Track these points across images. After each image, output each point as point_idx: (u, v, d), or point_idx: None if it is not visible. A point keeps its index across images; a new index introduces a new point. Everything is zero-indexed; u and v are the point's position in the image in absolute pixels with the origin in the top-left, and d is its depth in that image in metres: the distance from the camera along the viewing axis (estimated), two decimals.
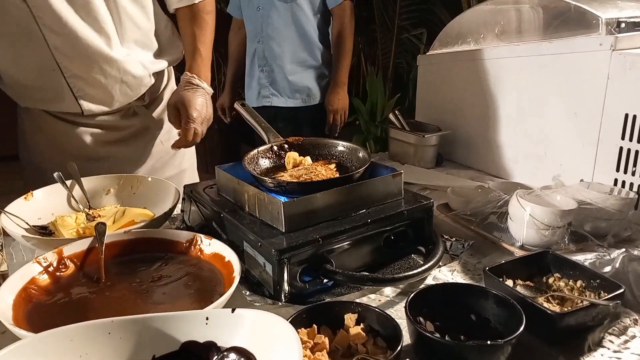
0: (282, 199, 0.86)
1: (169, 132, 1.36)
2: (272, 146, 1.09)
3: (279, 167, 1.07)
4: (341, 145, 1.10)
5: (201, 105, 1.20)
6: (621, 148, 1.13)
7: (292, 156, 1.04)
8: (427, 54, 1.69)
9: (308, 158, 1.06)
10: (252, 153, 1.06)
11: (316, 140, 1.13)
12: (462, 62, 1.55)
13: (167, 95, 1.39)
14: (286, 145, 1.10)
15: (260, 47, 2.18)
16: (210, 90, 1.25)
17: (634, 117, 1.09)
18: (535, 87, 1.33)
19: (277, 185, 0.93)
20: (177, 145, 1.20)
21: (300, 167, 1.03)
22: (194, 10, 1.26)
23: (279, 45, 2.14)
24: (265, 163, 1.08)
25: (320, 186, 0.90)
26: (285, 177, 0.99)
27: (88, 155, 1.27)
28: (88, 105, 1.22)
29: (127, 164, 1.32)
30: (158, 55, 1.30)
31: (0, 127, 2.44)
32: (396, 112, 1.65)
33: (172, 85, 1.43)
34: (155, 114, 1.37)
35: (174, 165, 1.43)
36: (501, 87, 1.43)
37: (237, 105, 1.20)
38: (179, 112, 1.20)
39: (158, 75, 1.34)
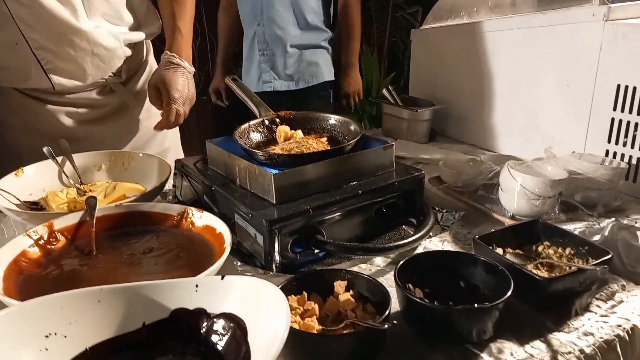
0: (273, 171, 0.86)
1: (149, 111, 1.34)
2: (263, 120, 1.09)
3: (271, 141, 1.07)
4: (333, 119, 1.10)
5: (182, 85, 1.16)
6: (613, 119, 1.13)
7: (283, 130, 1.04)
8: (421, 28, 1.68)
9: (299, 131, 1.05)
10: (243, 127, 1.05)
11: (307, 114, 1.13)
12: (455, 36, 1.54)
13: (145, 73, 1.36)
14: (277, 120, 1.10)
15: (260, 30, 2.07)
16: (192, 69, 1.21)
17: (626, 87, 1.09)
18: (528, 60, 1.32)
19: (268, 158, 0.92)
20: (159, 127, 1.17)
21: (292, 140, 1.02)
22: None
23: (280, 28, 2.04)
24: (256, 137, 1.07)
25: (311, 158, 0.90)
26: (276, 150, 0.99)
27: (65, 136, 1.21)
28: (59, 80, 1.17)
29: (106, 143, 1.27)
30: (133, 29, 1.26)
31: None
32: (389, 87, 1.64)
33: (151, 62, 1.39)
34: (133, 91, 1.33)
35: (156, 144, 1.40)
36: (494, 61, 1.42)
37: (227, 80, 1.19)
38: (160, 93, 1.16)
39: (134, 49, 1.29)
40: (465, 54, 1.49)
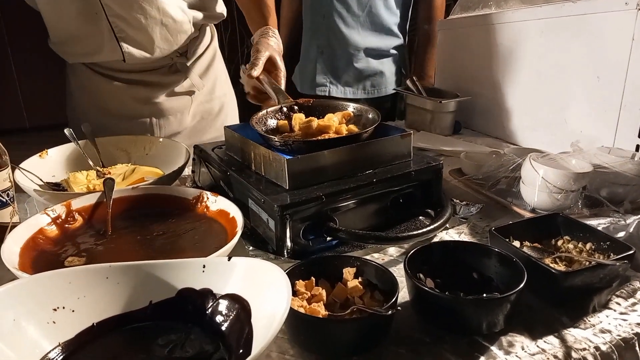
0: (287, 156, 0.86)
1: (211, 93, 1.40)
2: (281, 107, 1.08)
3: (288, 128, 1.06)
4: (352, 107, 1.09)
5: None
6: None
7: (298, 117, 1.03)
8: (447, 18, 1.65)
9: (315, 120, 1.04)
10: (260, 113, 1.05)
11: (327, 102, 1.12)
12: (482, 26, 1.50)
13: (209, 57, 1.39)
14: (296, 107, 1.09)
15: (323, 24, 1.80)
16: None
17: None
18: (556, 51, 1.28)
19: (283, 144, 0.92)
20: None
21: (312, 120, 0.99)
22: None
23: (347, 25, 1.77)
24: (273, 124, 1.07)
25: (327, 145, 0.89)
26: (292, 136, 0.98)
27: (129, 115, 1.30)
28: (129, 49, 1.21)
29: (169, 124, 1.34)
30: (198, 8, 1.29)
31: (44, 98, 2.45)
32: (414, 78, 1.61)
33: (215, 46, 1.43)
34: (198, 73, 1.37)
35: (216, 128, 1.44)
36: (521, 52, 1.38)
37: (243, 67, 1.17)
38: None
39: (200, 30, 1.33)
40: (492, 45, 1.46)
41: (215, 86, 1.42)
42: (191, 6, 1.27)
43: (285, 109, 1.08)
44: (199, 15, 1.29)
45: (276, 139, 0.93)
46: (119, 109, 1.30)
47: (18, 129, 2.82)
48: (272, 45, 1.15)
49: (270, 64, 1.12)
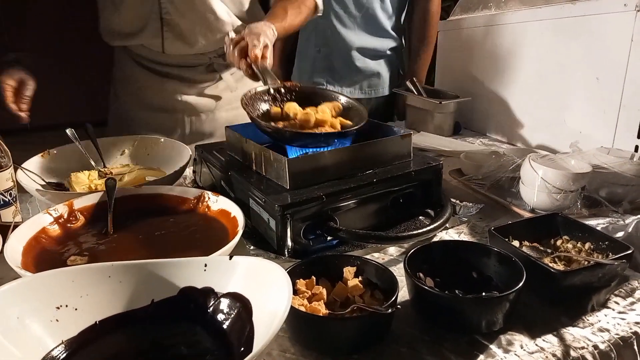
0: (288, 156, 0.86)
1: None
2: (269, 89, 1.05)
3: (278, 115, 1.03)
4: (342, 99, 1.06)
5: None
6: None
7: (292, 107, 1.00)
8: (448, 19, 1.66)
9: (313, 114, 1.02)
10: (250, 93, 1.02)
11: (315, 90, 1.10)
12: (482, 28, 1.51)
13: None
14: (283, 90, 1.05)
15: (321, 24, 1.79)
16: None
17: None
18: (556, 52, 1.29)
19: (277, 131, 0.91)
20: None
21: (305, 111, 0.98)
22: None
23: (344, 25, 1.79)
24: (264, 108, 1.03)
25: (322, 137, 0.89)
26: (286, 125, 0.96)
27: (164, 108, 1.37)
28: (169, 37, 1.27)
29: (200, 122, 1.40)
30: (242, 19, 1.32)
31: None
32: (414, 79, 1.62)
33: None
34: (233, 77, 1.41)
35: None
36: (522, 53, 1.39)
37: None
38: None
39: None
40: (492, 46, 1.46)
41: None
42: (237, 15, 1.31)
43: (272, 91, 1.05)
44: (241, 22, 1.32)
45: (264, 124, 0.92)
46: (155, 102, 1.37)
47: (19, 129, 2.83)
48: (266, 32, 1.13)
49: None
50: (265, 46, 1.04)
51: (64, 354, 0.56)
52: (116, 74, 1.44)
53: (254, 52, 1.02)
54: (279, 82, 1.06)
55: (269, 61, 1.06)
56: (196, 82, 1.37)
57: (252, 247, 0.85)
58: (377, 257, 0.86)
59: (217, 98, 1.41)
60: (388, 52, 1.87)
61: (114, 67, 1.44)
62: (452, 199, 1.00)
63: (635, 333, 0.68)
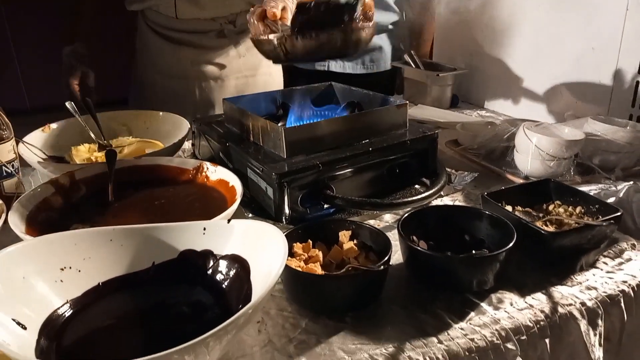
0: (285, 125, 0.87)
1: (256, 69, 1.48)
2: (284, 35, 1.01)
3: None
4: None
5: None
6: (637, 82, 1.10)
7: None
8: None
9: None
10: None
11: None
12: (480, 0, 1.50)
13: None
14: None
15: None
16: None
17: None
18: (553, 23, 1.29)
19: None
20: None
21: None
22: None
23: None
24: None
25: None
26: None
27: (177, 74, 1.42)
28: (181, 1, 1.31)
29: (210, 89, 1.45)
30: None
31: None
32: (412, 52, 1.62)
33: None
34: (244, 44, 1.45)
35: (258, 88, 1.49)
36: (519, 25, 1.39)
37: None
38: None
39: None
40: (490, 19, 1.46)
41: (261, 62, 1.48)
42: None
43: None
44: None
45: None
46: (168, 68, 1.43)
47: (19, 109, 2.83)
48: None
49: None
50: (284, 8, 1.04)
51: (70, 312, 0.58)
52: (137, 44, 1.50)
53: (271, 11, 1.02)
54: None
55: (289, 22, 1.06)
56: (207, 48, 1.41)
57: (250, 215, 0.87)
58: (372, 224, 0.87)
59: (226, 65, 1.44)
60: (390, 27, 1.87)
61: (136, 37, 1.50)
62: (448, 169, 1.02)
63: (622, 291, 0.70)
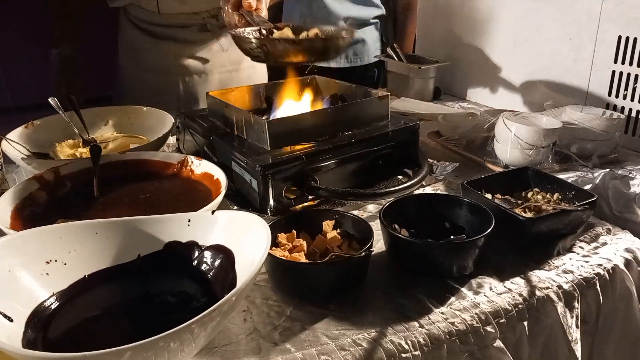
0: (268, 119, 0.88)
1: (239, 63, 1.49)
2: (260, 29, 1.04)
3: None
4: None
5: None
6: (613, 72, 1.12)
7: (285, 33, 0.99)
8: None
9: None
10: (239, 30, 1.02)
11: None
12: None
13: None
14: (275, 31, 1.03)
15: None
16: None
17: (627, 39, 1.08)
18: (531, 14, 1.31)
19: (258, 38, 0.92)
20: None
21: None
22: None
23: None
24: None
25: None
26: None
27: (161, 69, 1.43)
28: None
29: (193, 83, 1.45)
30: None
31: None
32: (394, 46, 1.63)
33: None
34: (227, 39, 1.45)
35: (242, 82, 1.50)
36: (499, 17, 1.41)
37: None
38: None
39: None
40: (470, 10, 1.48)
41: (244, 56, 1.44)
42: None
43: (264, 32, 1.03)
44: None
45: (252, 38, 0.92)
46: (152, 63, 1.43)
47: (1, 107, 2.80)
48: None
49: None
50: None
51: (56, 304, 0.59)
52: (120, 40, 1.50)
53: (247, 2, 1.03)
54: (271, 24, 1.05)
55: (264, 13, 1.07)
56: (190, 42, 1.42)
57: (235, 208, 0.87)
58: (356, 214, 0.88)
59: (209, 60, 1.45)
60: (372, 20, 1.88)
61: (118, 34, 1.50)
62: (430, 159, 1.03)
63: (598, 274, 0.72)
